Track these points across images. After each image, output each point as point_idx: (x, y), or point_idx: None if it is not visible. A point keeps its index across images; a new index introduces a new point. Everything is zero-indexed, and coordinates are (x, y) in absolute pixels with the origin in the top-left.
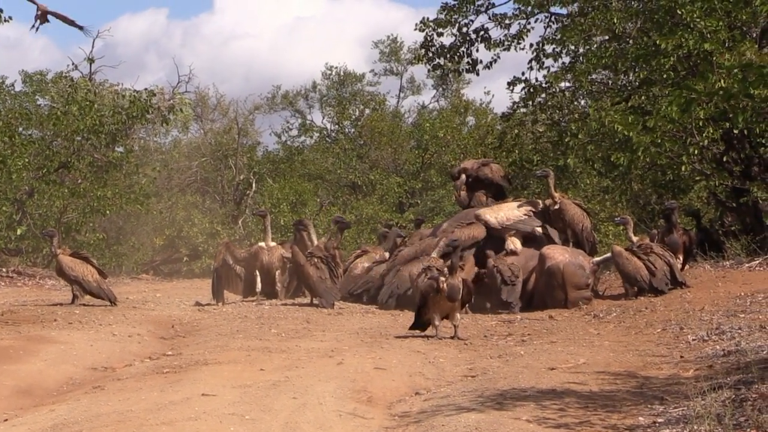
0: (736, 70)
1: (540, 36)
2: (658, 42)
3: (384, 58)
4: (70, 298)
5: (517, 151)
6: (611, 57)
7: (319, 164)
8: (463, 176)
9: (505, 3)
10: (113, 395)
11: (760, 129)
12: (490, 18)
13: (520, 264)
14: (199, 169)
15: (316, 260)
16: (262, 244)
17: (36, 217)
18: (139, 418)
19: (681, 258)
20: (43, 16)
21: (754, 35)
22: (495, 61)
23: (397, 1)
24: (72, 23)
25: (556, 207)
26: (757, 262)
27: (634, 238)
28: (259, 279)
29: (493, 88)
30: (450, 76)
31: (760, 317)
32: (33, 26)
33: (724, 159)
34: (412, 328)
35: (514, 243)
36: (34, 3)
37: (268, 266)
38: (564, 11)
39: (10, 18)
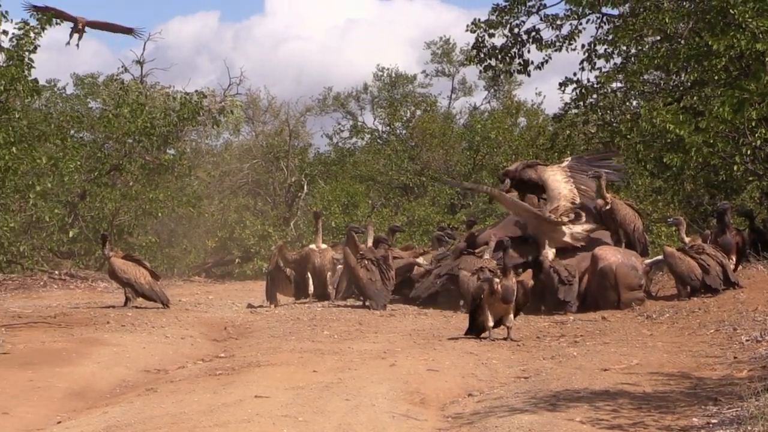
0: None
1: (591, 36)
2: (710, 42)
3: (436, 59)
4: (123, 300)
5: (568, 152)
6: (663, 57)
7: (370, 166)
8: (507, 180)
9: (557, 4)
10: (166, 397)
11: None
12: (541, 19)
13: (573, 264)
14: (250, 171)
15: (366, 262)
16: (313, 246)
17: (88, 220)
18: (192, 420)
19: (734, 258)
20: (80, 29)
21: None
22: (546, 62)
23: (449, 2)
24: (119, 29)
25: (608, 207)
26: None
27: (687, 239)
28: (310, 281)
29: (544, 89)
30: (501, 77)
31: None
32: (70, 41)
33: None
34: (467, 333)
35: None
36: (71, 19)
37: (319, 268)
38: (615, 12)
39: (60, 22)
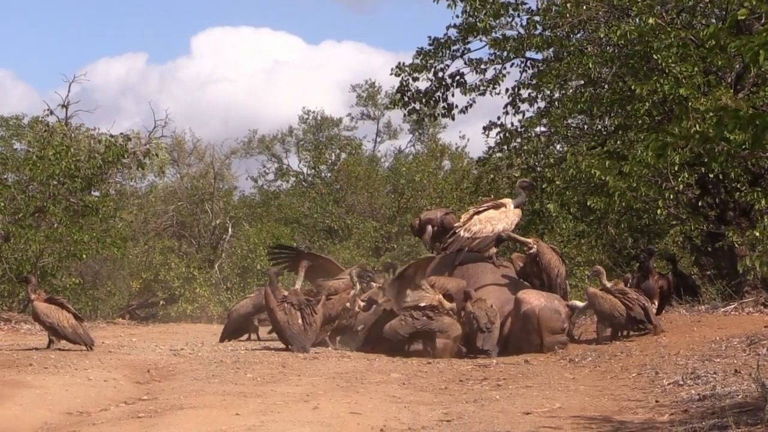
0: (711, 114)
1: (515, 81)
2: (633, 87)
3: (361, 102)
4: (46, 342)
5: (492, 196)
6: (587, 102)
7: (295, 208)
8: (429, 228)
9: (481, 48)
10: None
11: (735, 174)
12: (465, 63)
13: (496, 308)
14: (175, 213)
15: (286, 305)
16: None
17: (12, 261)
18: None
19: (656, 303)
20: None
21: (729, 80)
22: (470, 105)
23: (377, 45)
24: None
25: (532, 251)
26: (733, 306)
27: (608, 284)
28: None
29: (468, 133)
30: (426, 120)
31: (735, 362)
32: None
33: (700, 203)
34: None
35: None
36: None
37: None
38: (539, 56)
39: None
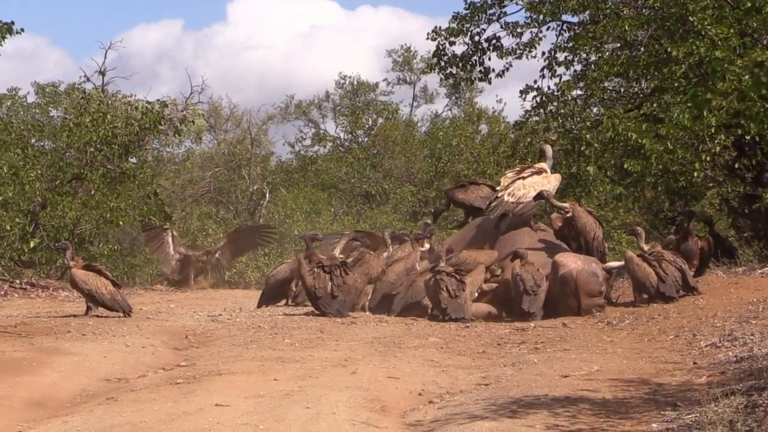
0: (747, 75)
1: (552, 44)
2: (669, 49)
3: (397, 67)
4: (84, 309)
5: (530, 160)
6: (623, 65)
7: (332, 174)
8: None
9: (517, 12)
10: (127, 406)
11: None
12: (502, 27)
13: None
14: (212, 179)
15: (317, 270)
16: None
17: (49, 229)
18: (152, 429)
19: (696, 264)
20: None
21: (765, 42)
22: (507, 69)
23: (414, 10)
24: None
25: (569, 215)
26: None
27: (646, 247)
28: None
29: (505, 97)
30: (462, 84)
31: None
32: None
33: (736, 165)
34: None
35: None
36: None
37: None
38: (575, 19)
39: (22, 30)
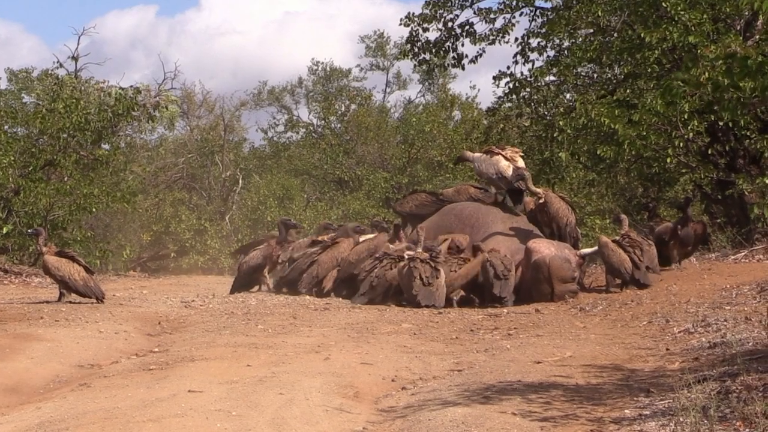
0: (720, 62)
1: (525, 30)
2: (642, 35)
3: (370, 53)
4: (57, 295)
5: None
6: (596, 50)
7: (305, 160)
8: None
9: None
10: (99, 392)
11: (745, 121)
12: (475, 12)
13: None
14: (185, 165)
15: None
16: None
17: (22, 215)
18: (125, 415)
19: (691, 250)
20: None
21: (738, 28)
22: (480, 55)
23: None
24: None
25: (541, 201)
26: (743, 254)
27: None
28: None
29: (479, 83)
30: (436, 70)
31: (746, 309)
32: None
33: (709, 151)
34: None
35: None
36: None
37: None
38: (548, 5)
39: None
